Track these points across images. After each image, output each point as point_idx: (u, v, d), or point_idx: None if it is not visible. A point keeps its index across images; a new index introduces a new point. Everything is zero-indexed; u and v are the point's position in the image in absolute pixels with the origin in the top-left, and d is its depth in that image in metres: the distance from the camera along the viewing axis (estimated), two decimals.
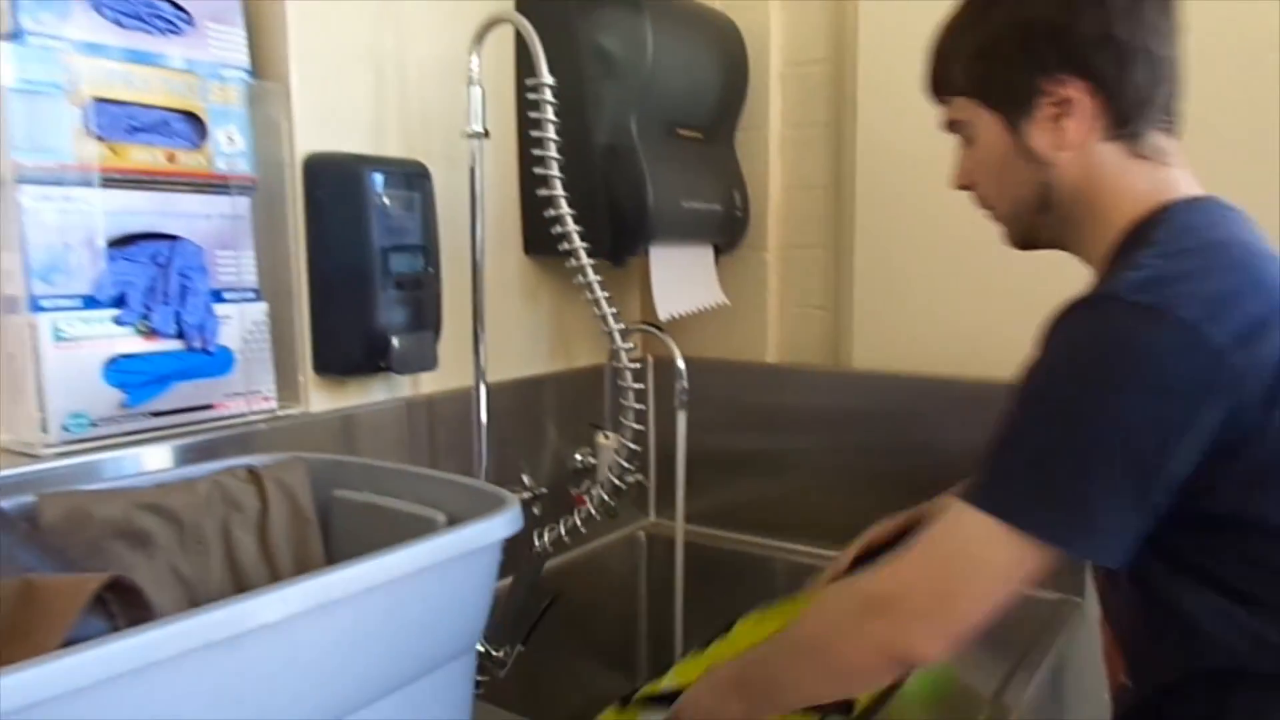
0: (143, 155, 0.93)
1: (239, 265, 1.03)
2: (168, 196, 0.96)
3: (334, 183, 1.05)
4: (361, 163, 1.05)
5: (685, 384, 1.36)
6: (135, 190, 0.93)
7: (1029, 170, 0.77)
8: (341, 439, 1.12)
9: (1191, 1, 0.75)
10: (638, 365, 1.21)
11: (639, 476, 1.54)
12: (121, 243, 0.92)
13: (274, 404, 1.06)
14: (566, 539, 1.29)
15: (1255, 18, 1.13)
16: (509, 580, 1.23)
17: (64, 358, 0.87)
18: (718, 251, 1.47)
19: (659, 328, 1.36)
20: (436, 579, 0.63)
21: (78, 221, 0.88)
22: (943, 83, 0.81)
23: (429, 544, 0.62)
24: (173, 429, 0.97)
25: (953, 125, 0.82)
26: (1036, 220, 0.80)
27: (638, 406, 1.24)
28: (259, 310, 1.04)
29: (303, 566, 0.78)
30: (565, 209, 1.14)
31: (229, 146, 1.00)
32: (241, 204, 1.03)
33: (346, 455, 1.03)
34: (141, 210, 0.94)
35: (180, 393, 0.97)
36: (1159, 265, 0.67)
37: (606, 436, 1.43)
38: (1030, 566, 0.66)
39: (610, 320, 1.19)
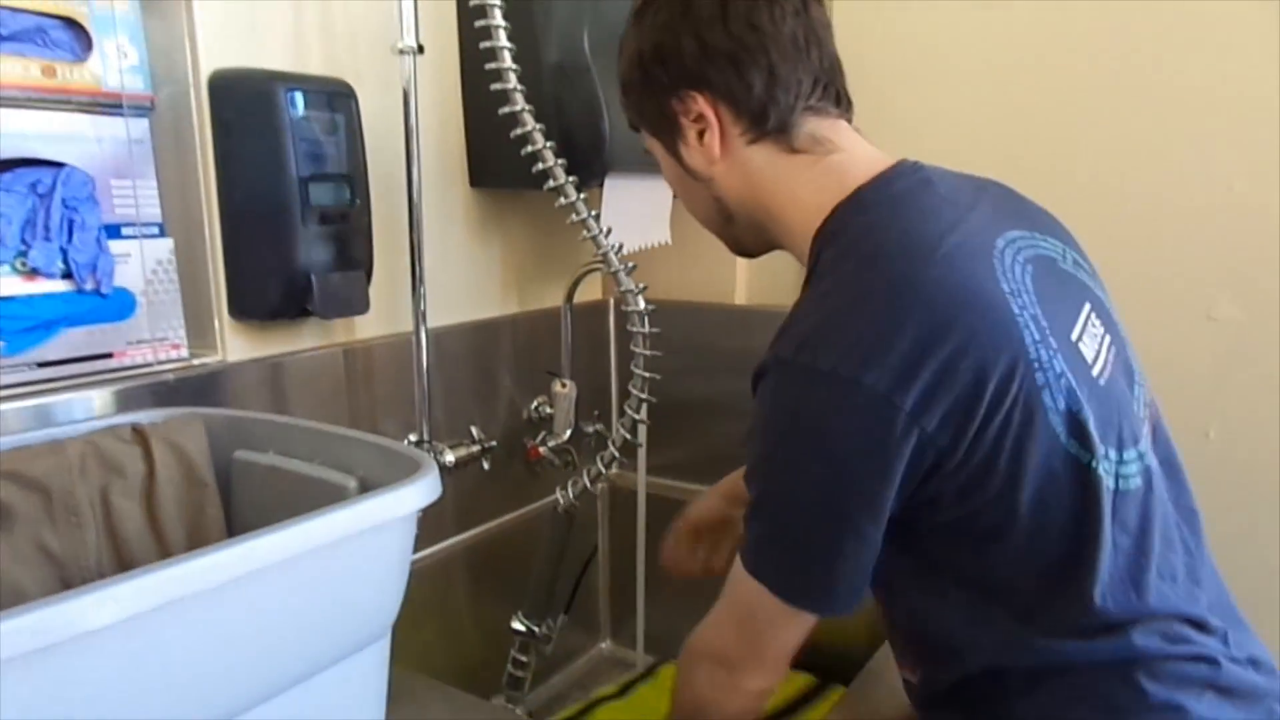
0: (13, 67, 0.80)
1: (138, 196, 0.91)
2: (48, 117, 0.84)
3: (245, 103, 0.93)
4: (276, 80, 0.93)
5: (647, 327, 1.26)
6: (5, 109, 0.81)
7: (698, 187, 0.79)
8: (267, 392, 1.02)
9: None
10: (646, 305, 1.11)
11: (599, 426, 1.45)
12: None
13: (185, 352, 0.95)
14: (593, 488, 1.21)
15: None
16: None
17: None
18: None
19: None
20: (343, 555, 0.54)
21: None
22: (629, 118, 0.84)
23: (330, 517, 0.52)
24: (66, 381, 0.86)
25: (647, 153, 0.85)
26: (731, 231, 0.82)
27: (649, 353, 1.14)
28: (163, 247, 0.93)
29: (198, 538, 0.68)
30: (532, 124, 1.02)
31: (120, 61, 0.88)
32: (138, 127, 0.91)
33: (267, 411, 0.92)
34: (15, 132, 0.82)
35: (72, 340, 0.86)
36: (814, 313, 0.67)
37: (564, 384, 1.34)
38: (804, 616, 0.69)
39: (611, 255, 1.08)
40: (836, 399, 0.62)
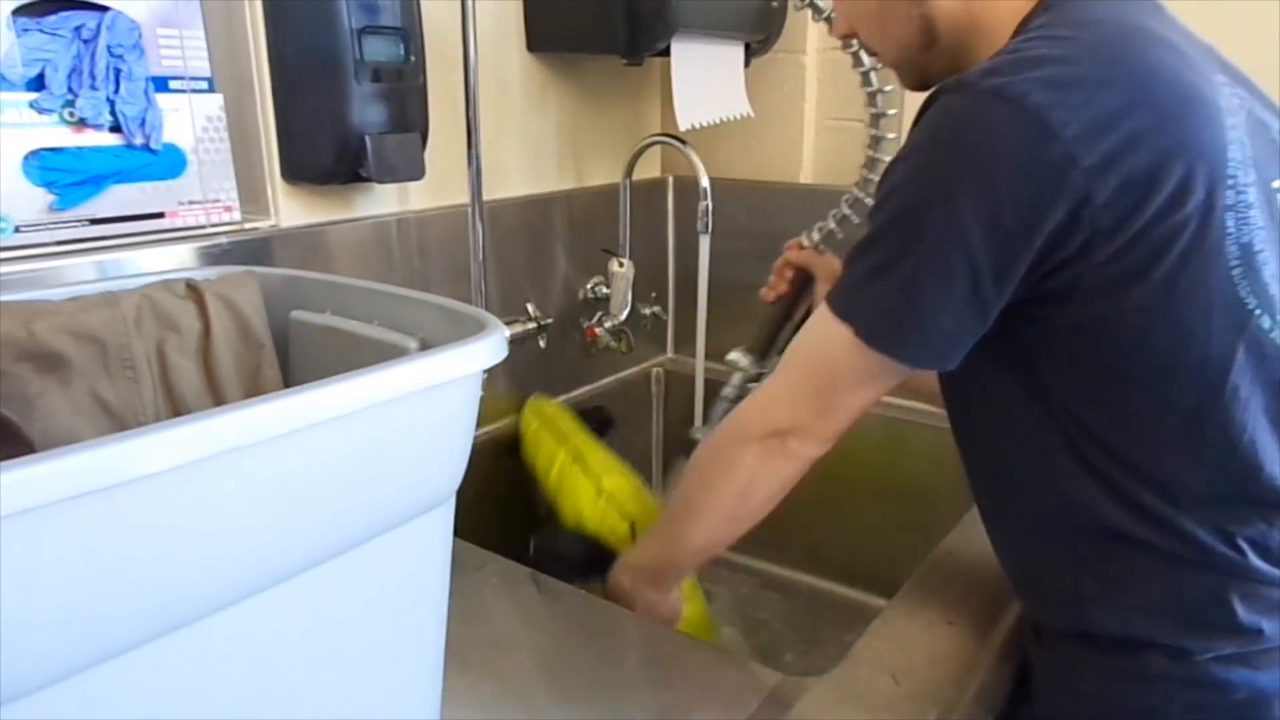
0: None
1: (185, 48, 0.86)
2: None
3: None
4: None
5: (709, 205, 1.21)
6: None
7: (907, 5, 0.72)
8: (318, 259, 0.99)
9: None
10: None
11: (656, 308, 1.41)
12: (35, 12, 0.77)
13: (237, 214, 0.92)
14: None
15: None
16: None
17: None
18: (748, 52, 1.27)
19: (681, 140, 1.20)
20: (407, 413, 0.51)
21: None
22: None
23: (395, 370, 0.49)
24: (118, 239, 0.84)
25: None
26: (926, 59, 0.75)
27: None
28: (214, 103, 0.89)
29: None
30: None
31: None
32: None
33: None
34: None
35: (123, 197, 0.83)
36: (1021, 49, 0.62)
37: (621, 264, 1.30)
38: (885, 371, 0.66)
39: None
40: (1014, 127, 0.57)
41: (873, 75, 1.05)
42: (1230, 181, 0.59)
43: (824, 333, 0.68)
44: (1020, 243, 0.58)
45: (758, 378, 1.05)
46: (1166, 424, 0.62)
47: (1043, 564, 0.71)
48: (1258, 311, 0.60)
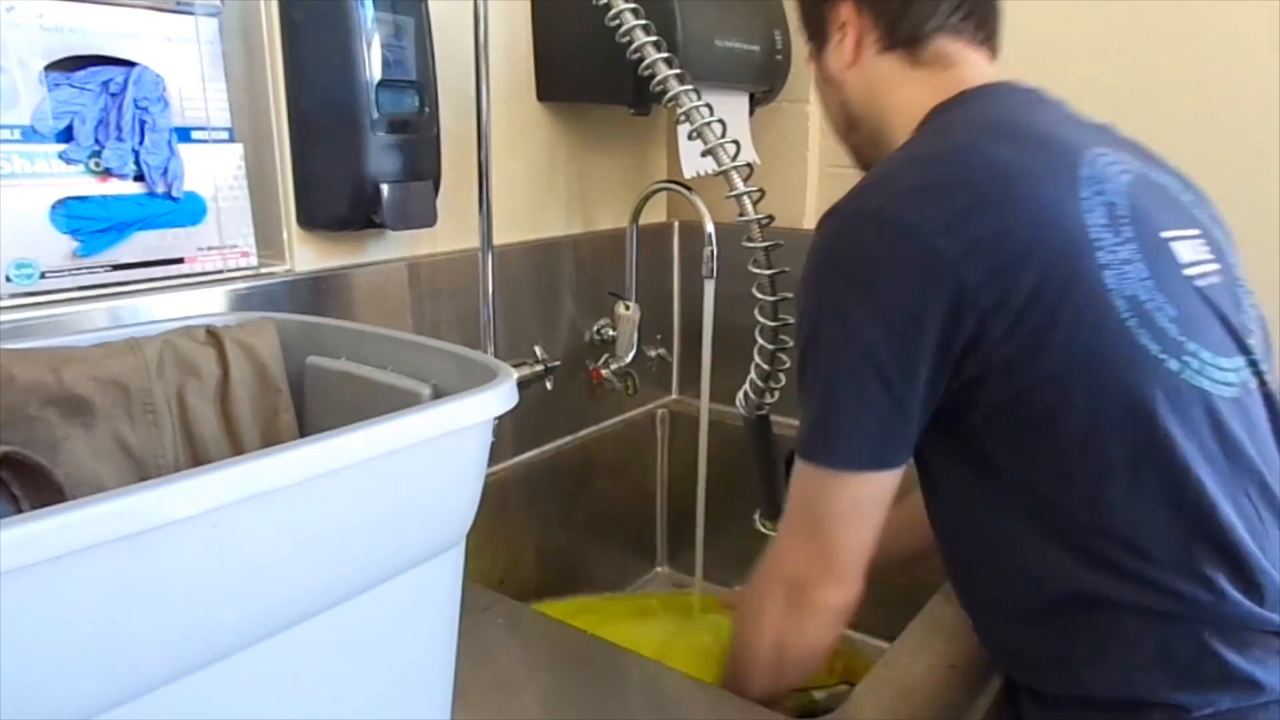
0: None
1: (207, 100, 0.90)
2: (119, 13, 0.82)
3: (315, 4, 0.90)
4: None
5: (714, 250, 1.23)
6: (77, 3, 0.79)
7: (831, 93, 0.85)
8: (333, 303, 1.01)
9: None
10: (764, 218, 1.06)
11: (661, 350, 1.43)
12: (65, 67, 0.80)
13: (254, 259, 0.95)
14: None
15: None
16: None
17: (3, 197, 0.76)
18: (753, 102, 1.31)
19: (686, 187, 1.23)
20: (420, 460, 0.53)
21: (7, 36, 0.75)
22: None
23: (410, 418, 0.51)
24: (139, 284, 0.86)
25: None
26: (852, 141, 0.86)
27: (770, 298, 1.07)
28: (234, 153, 0.92)
29: (271, 441, 0.68)
30: (631, 20, 0.97)
31: None
32: (208, 27, 0.89)
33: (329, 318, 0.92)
34: (87, 29, 0.80)
35: (144, 243, 0.86)
36: (882, 168, 0.70)
37: (627, 307, 1.32)
38: (872, 489, 0.68)
39: (735, 177, 1.01)
40: (876, 237, 0.64)
41: None
42: (1097, 244, 0.63)
43: (797, 478, 0.72)
44: (914, 335, 0.63)
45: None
46: (1114, 479, 0.63)
47: (1030, 639, 0.71)
48: (1163, 356, 0.63)
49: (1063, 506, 0.65)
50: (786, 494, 0.73)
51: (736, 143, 1.03)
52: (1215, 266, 0.71)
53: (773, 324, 1.07)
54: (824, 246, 0.68)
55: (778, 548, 0.76)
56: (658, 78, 0.99)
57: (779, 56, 1.24)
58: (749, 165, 1.05)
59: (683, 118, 1.01)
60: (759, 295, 1.07)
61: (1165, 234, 0.68)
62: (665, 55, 0.99)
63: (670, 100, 1.00)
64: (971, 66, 0.77)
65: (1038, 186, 0.65)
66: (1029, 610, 0.70)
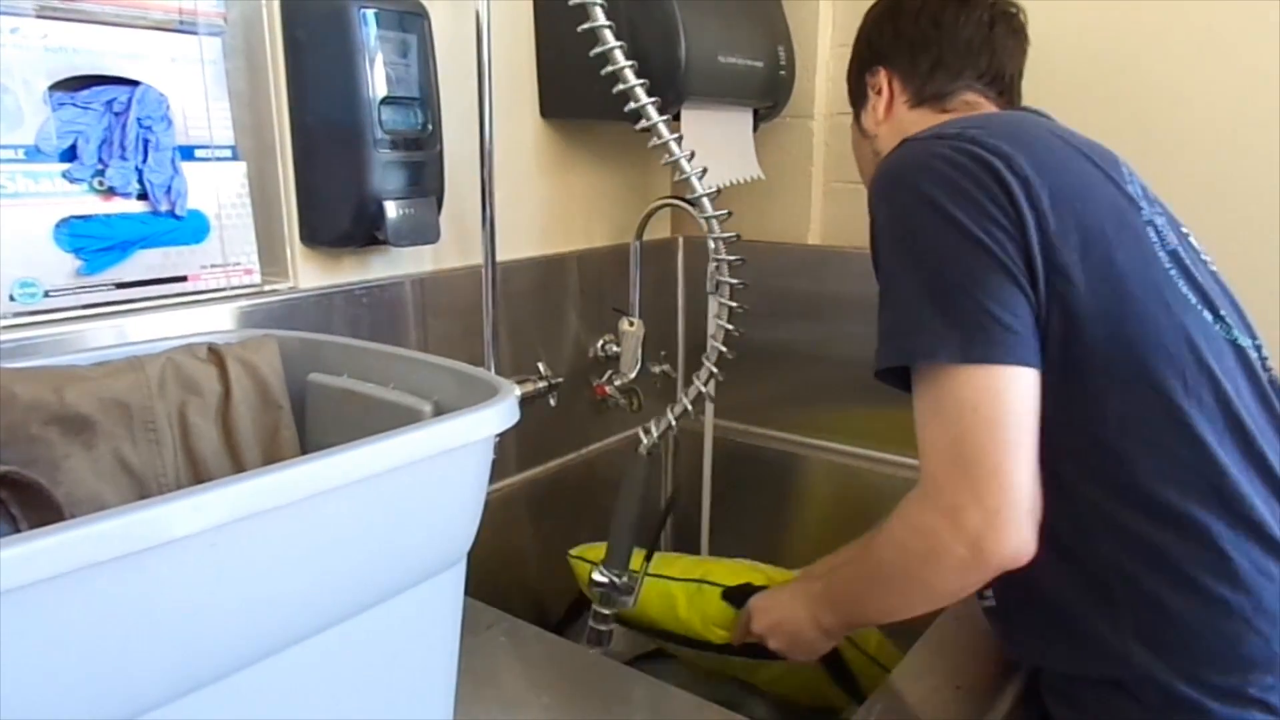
0: None
1: (211, 119, 0.90)
2: (123, 34, 0.83)
3: (317, 21, 0.90)
4: None
5: (719, 265, 1.23)
6: (81, 24, 0.79)
7: (865, 145, 0.96)
8: (336, 320, 1.01)
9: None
10: (732, 236, 1.07)
11: (665, 367, 1.43)
12: (70, 87, 0.80)
13: (257, 277, 0.95)
14: (674, 428, 1.14)
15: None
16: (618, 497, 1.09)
17: (7, 217, 0.76)
18: (757, 117, 1.31)
19: (690, 203, 1.22)
20: (421, 477, 0.53)
21: (12, 57, 0.75)
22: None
23: (410, 436, 0.51)
24: (143, 302, 0.86)
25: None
26: None
27: (734, 281, 1.09)
28: (237, 171, 0.92)
29: (273, 459, 0.68)
30: (612, 41, 0.96)
31: None
32: (212, 46, 0.89)
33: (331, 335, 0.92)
34: (91, 49, 0.81)
35: (147, 262, 0.86)
36: (939, 125, 0.77)
37: (631, 323, 1.32)
38: (999, 389, 0.64)
39: (696, 182, 1.03)
40: (953, 148, 0.69)
41: None
42: (1138, 204, 0.71)
43: (924, 395, 0.66)
44: (1001, 231, 0.66)
45: (629, 590, 1.02)
46: (1152, 425, 0.66)
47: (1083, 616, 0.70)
48: (1200, 307, 0.69)
49: (1113, 449, 0.66)
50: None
51: (705, 169, 1.04)
52: (1213, 259, 0.78)
53: (728, 327, 1.10)
54: (905, 163, 0.71)
55: (922, 482, 0.67)
56: (623, 86, 0.98)
57: (783, 72, 1.24)
58: (715, 189, 1.05)
59: (656, 138, 1.00)
60: (721, 302, 1.09)
61: (1182, 229, 0.76)
62: (641, 82, 0.98)
63: (647, 128, 1.00)
64: (994, 109, 0.88)
65: (1086, 150, 0.74)
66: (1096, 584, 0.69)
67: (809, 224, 1.40)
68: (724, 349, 1.10)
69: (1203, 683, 0.64)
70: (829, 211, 1.40)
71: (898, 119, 0.90)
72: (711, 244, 1.10)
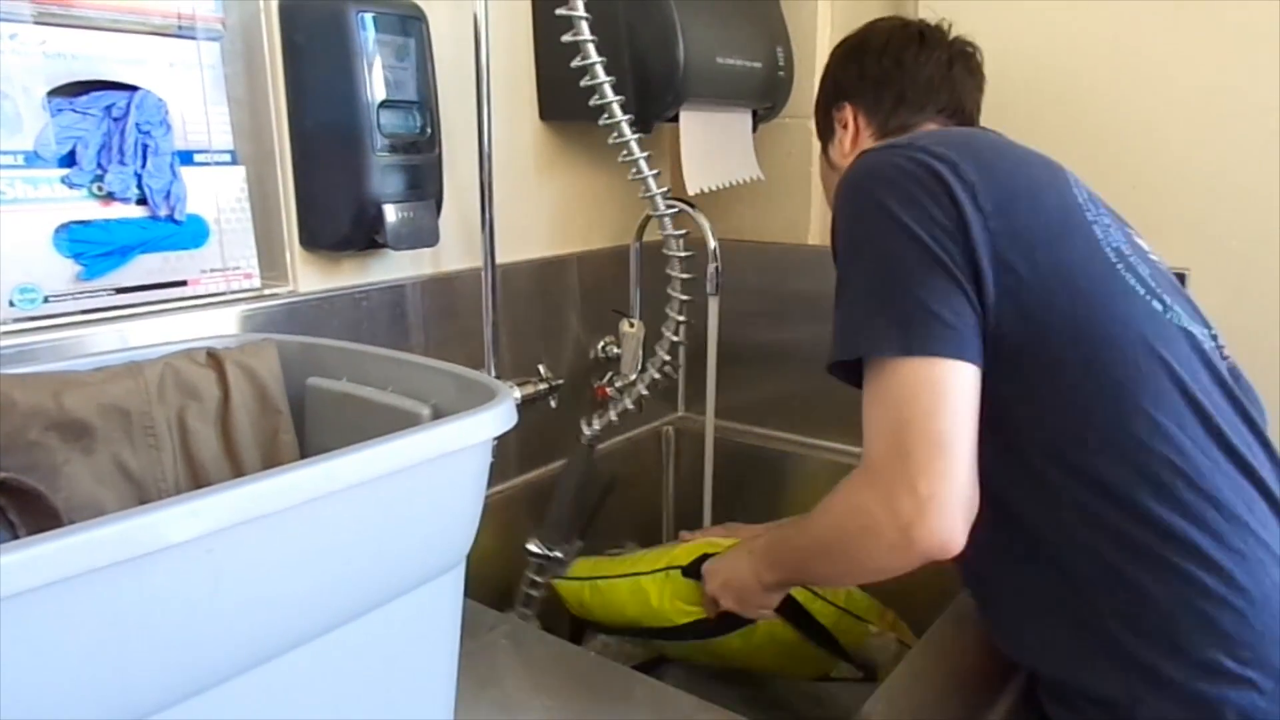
0: None
1: (210, 123, 0.90)
2: (122, 39, 0.83)
3: (315, 25, 0.91)
4: (347, 1, 0.90)
5: (718, 266, 1.23)
6: (80, 29, 0.80)
7: (833, 176, 0.99)
8: (336, 324, 1.01)
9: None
10: (685, 251, 1.12)
11: (666, 368, 1.43)
12: (68, 92, 0.80)
13: (257, 281, 0.95)
14: (616, 421, 1.22)
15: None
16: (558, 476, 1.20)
17: (6, 223, 0.76)
18: (756, 119, 1.31)
19: (690, 204, 1.23)
20: (419, 480, 0.53)
21: (10, 63, 0.76)
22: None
23: (408, 440, 0.51)
24: (142, 307, 0.86)
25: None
26: None
27: (683, 297, 1.14)
28: (236, 175, 0.92)
29: (272, 463, 0.68)
30: (594, 55, 0.99)
31: None
32: (210, 51, 0.89)
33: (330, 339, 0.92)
34: (90, 55, 0.81)
35: (147, 266, 0.86)
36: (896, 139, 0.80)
37: (631, 324, 1.32)
38: (938, 382, 0.66)
39: (659, 200, 1.07)
40: (907, 158, 0.72)
41: None
42: (1083, 207, 0.74)
43: (871, 384, 0.70)
44: (948, 237, 0.68)
45: (561, 563, 1.12)
46: (1109, 412, 0.68)
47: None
48: (1148, 298, 0.71)
49: (1077, 438, 0.68)
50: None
51: (669, 189, 1.11)
52: (1161, 257, 0.80)
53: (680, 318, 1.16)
54: (862, 172, 0.75)
55: (863, 460, 0.70)
56: (599, 101, 1.02)
57: (781, 73, 1.24)
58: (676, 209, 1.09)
59: (626, 154, 1.05)
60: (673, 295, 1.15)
61: (1129, 230, 0.80)
62: (620, 98, 1.02)
63: (611, 124, 1.04)
64: None
65: (1031, 157, 0.78)
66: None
67: (809, 224, 1.40)
68: (668, 358, 1.18)
69: (1185, 660, 0.65)
70: (828, 210, 1.39)
71: (863, 150, 0.91)
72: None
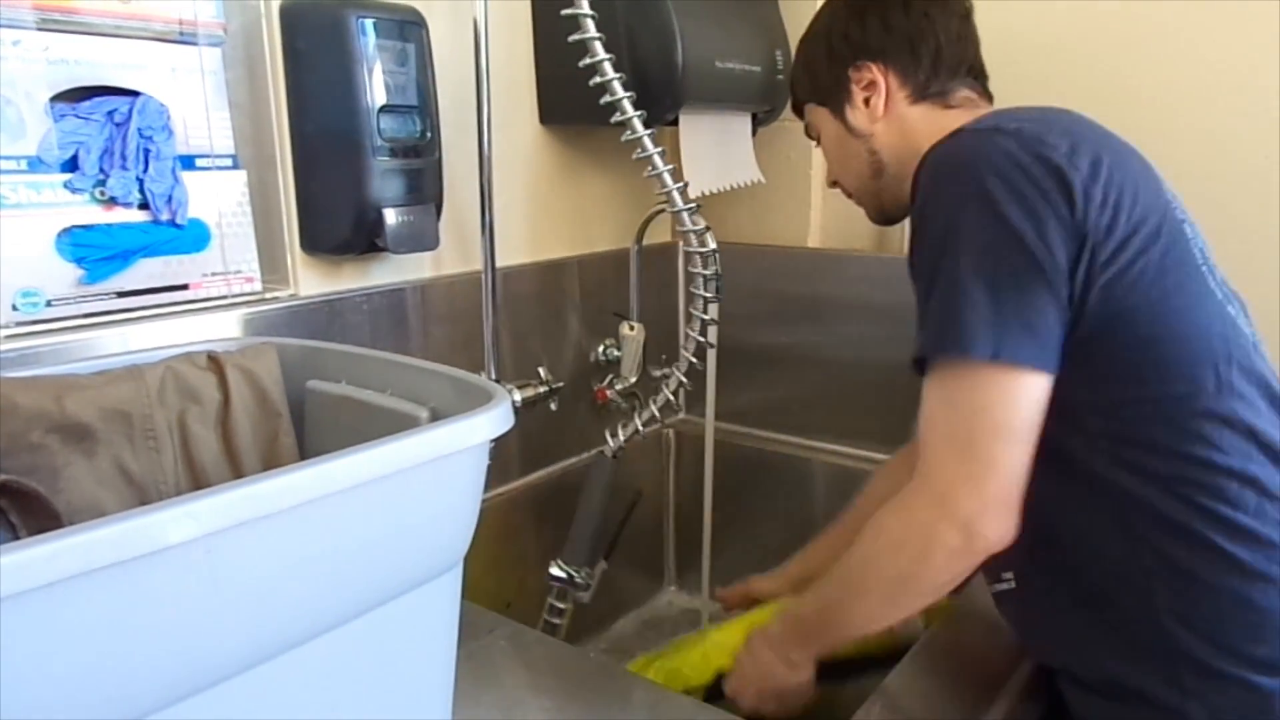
0: None
1: (211, 128, 0.91)
2: (124, 45, 0.83)
3: (316, 31, 0.91)
4: (347, 7, 0.91)
5: (718, 269, 1.23)
6: (83, 35, 0.80)
7: (856, 144, 0.91)
8: (336, 327, 1.02)
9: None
10: (710, 249, 1.08)
11: (666, 370, 1.43)
12: (71, 98, 0.81)
13: (258, 285, 0.95)
14: (641, 436, 1.18)
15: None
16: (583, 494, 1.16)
17: (9, 227, 0.77)
18: (755, 122, 1.31)
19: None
20: (416, 482, 0.53)
21: (14, 69, 0.76)
22: (795, 98, 0.99)
23: (405, 442, 0.51)
24: (144, 311, 0.87)
25: (808, 130, 0.99)
26: (877, 186, 0.92)
27: (706, 294, 1.10)
28: (238, 180, 0.93)
29: (272, 465, 0.68)
30: (602, 53, 0.98)
31: None
32: (212, 57, 0.90)
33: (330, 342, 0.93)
34: (93, 60, 0.82)
35: (149, 270, 0.87)
36: (990, 115, 0.77)
37: (632, 327, 1.32)
38: (1017, 392, 0.66)
39: (677, 195, 1.05)
40: (1016, 143, 0.69)
41: None
42: (1173, 203, 0.73)
43: (938, 387, 0.70)
44: (1052, 234, 0.66)
45: (585, 587, 1.09)
46: (1193, 405, 0.67)
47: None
48: (1224, 301, 0.71)
49: (1150, 435, 0.68)
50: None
51: (686, 184, 1.08)
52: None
53: (701, 339, 1.13)
54: (968, 154, 0.71)
55: (919, 470, 0.71)
56: (610, 98, 1.00)
57: (780, 77, 1.25)
58: (695, 205, 1.07)
59: (640, 151, 1.03)
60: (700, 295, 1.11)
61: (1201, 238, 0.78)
62: (629, 95, 1.00)
63: (623, 122, 1.02)
64: (988, 105, 0.89)
65: (1127, 146, 0.74)
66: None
67: (809, 227, 1.40)
68: (695, 360, 1.14)
69: (1239, 655, 0.65)
70: (829, 214, 1.40)
71: (899, 115, 0.87)
72: (684, 254, 1.12)
